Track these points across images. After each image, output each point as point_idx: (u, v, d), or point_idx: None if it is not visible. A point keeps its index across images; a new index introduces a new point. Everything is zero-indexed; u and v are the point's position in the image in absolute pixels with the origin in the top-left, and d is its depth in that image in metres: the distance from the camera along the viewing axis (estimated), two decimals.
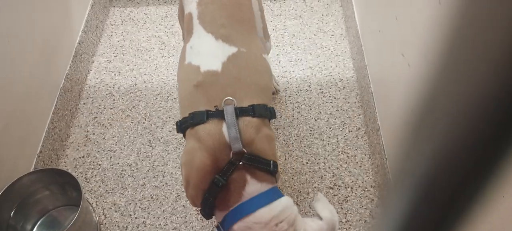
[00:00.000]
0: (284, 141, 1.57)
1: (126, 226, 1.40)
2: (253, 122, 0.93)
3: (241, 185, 0.90)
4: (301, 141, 1.57)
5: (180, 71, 1.07)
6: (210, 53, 1.01)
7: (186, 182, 0.95)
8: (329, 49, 1.86)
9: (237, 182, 0.90)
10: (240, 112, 0.93)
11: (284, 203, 0.91)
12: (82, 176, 1.53)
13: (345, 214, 1.39)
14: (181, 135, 1.61)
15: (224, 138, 0.91)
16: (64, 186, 1.34)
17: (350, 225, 1.37)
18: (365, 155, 1.52)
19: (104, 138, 1.63)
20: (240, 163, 0.90)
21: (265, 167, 0.92)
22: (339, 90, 1.72)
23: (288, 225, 0.89)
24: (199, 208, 0.98)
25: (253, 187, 0.91)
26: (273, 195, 0.92)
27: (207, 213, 0.96)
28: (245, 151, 0.90)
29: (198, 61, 1.01)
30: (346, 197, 1.43)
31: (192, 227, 1.38)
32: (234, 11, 1.10)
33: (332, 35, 1.92)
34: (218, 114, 0.92)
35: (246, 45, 1.04)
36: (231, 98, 0.94)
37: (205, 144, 0.91)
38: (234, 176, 0.90)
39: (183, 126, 0.98)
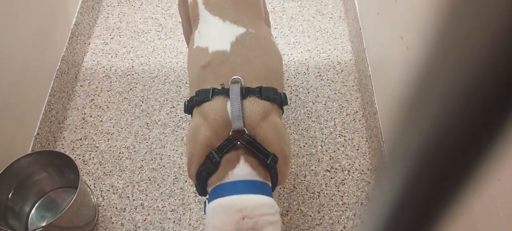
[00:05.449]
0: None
1: (124, 208, 1.41)
2: (259, 104, 0.89)
3: (231, 164, 0.87)
4: (298, 124, 1.57)
5: (189, 57, 1.05)
6: (218, 34, 0.99)
7: (189, 159, 0.92)
8: (327, 32, 1.85)
9: (230, 160, 0.87)
10: (246, 92, 0.90)
11: (265, 202, 0.84)
12: (79, 158, 1.53)
13: (342, 196, 1.40)
14: (178, 118, 1.62)
15: (227, 114, 0.88)
16: (62, 168, 1.34)
17: (346, 207, 1.38)
18: (362, 138, 1.53)
19: (101, 120, 1.62)
20: (238, 142, 0.87)
21: (262, 157, 0.87)
22: (337, 74, 1.71)
23: (254, 226, 0.81)
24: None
25: (243, 170, 0.86)
26: (258, 188, 0.86)
27: (200, 190, 0.93)
28: (246, 131, 0.87)
29: (206, 43, 0.99)
30: (343, 180, 1.43)
31: (190, 209, 1.39)
32: None
33: (331, 17, 1.90)
34: (224, 92, 0.90)
35: (254, 27, 1.02)
36: (238, 77, 0.91)
37: (208, 119, 0.89)
38: (230, 154, 0.87)
39: (189, 105, 0.96)
